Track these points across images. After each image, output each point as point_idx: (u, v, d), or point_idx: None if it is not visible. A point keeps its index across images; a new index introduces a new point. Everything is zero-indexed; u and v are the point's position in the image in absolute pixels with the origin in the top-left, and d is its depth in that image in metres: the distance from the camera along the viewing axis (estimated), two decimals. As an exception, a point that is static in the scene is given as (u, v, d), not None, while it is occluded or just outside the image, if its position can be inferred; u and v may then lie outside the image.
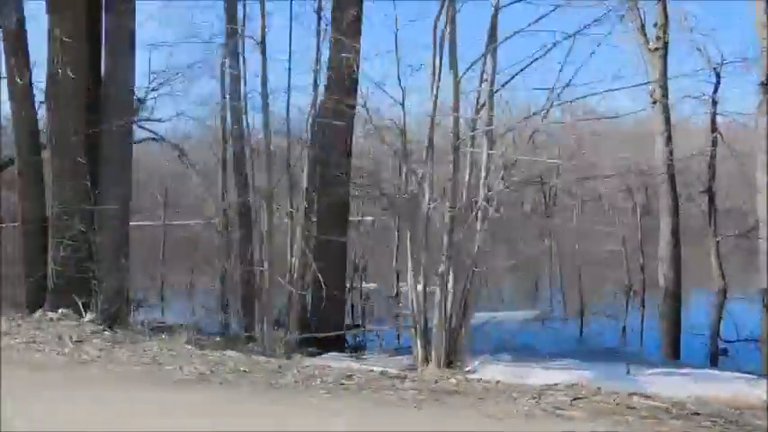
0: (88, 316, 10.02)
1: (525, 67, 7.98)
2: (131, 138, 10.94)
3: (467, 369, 7.86)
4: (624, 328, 13.32)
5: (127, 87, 10.76)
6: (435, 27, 7.75)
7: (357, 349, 10.16)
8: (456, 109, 7.42)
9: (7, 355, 6.22)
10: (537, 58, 7.87)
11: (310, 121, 9.57)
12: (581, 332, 12.57)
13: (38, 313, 10.19)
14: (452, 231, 7.57)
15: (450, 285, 7.64)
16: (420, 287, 7.90)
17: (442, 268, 7.62)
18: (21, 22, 10.72)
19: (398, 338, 11.87)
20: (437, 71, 7.39)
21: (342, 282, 10.57)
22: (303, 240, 8.96)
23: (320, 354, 9.23)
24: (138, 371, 5.41)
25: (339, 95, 9.81)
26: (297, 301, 8.75)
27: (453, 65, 7.43)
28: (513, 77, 8.09)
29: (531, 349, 9.85)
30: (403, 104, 7.76)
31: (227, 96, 11.34)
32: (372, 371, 5.58)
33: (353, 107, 10.03)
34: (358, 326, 11.59)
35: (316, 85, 9.45)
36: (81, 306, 9.72)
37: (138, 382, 4.97)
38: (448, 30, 7.37)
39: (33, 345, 6.82)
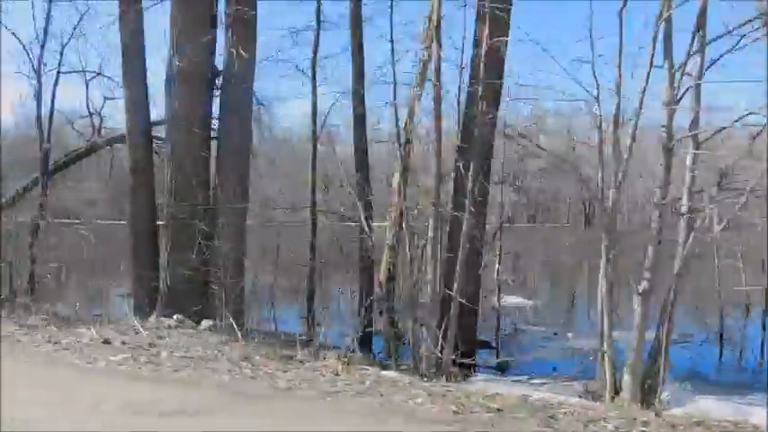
0: (204, 323, 9.29)
1: (714, 62, 7.09)
2: (251, 134, 10.20)
3: (657, 400, 6.90)
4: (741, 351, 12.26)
5: (248, 79, 10.03)
6: (621, 18, 6.89)
7: (501, 370, 9.19)
8: (669, 104, 6.51)
9: (183, 375, 5.42)
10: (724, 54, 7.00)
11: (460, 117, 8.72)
12: (720, 355, 11.47)
13: (153, 319, 9.50)
14: (659, 243, 6.64)
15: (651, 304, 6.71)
16: (608, 305, 6.96)
17: (644, 285, 6.68)
18: (139, 12, 10.09)
19: (497, 355, 10.91)
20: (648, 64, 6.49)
21: (477, 292, 9.67)
22: (462, 248, 8.03)
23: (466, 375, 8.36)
24: (371, 405, 4.51)
25: (485, 89, 8.87)
26: (455, 315, 7.83)
27: (668, 56, 6.54)
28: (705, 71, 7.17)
29: (700, 376, 8.83)
30: (597, 98, 6.86)
31: (352, 88, 10.53)
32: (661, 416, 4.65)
33: (498, 103, 9.13)
34: (485, 342, 10.63)
35: (472, 79, 8.52)
36: (197, 311, 9.01)
37: (400, 423, 4.09)
38: (662, 26, 6.49)
39: (199, 361, 6.01)
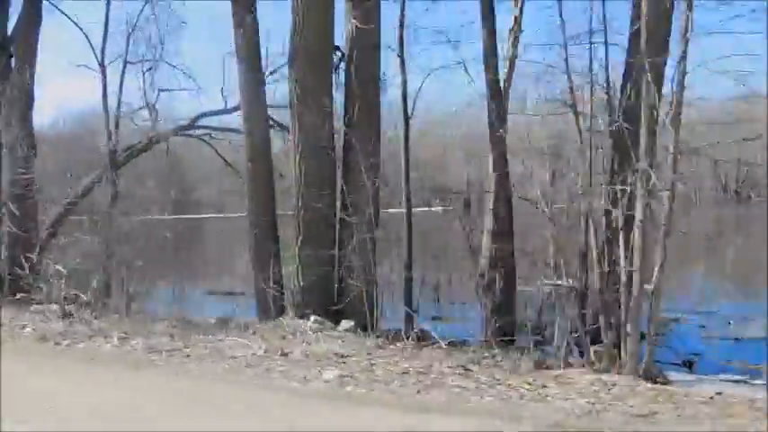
0: (344, 324, 8.44)
1: None
2: (379, 113, 9.25)
3: None
4: None
5: (374, 54, 9.08)
6: None
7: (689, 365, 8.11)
8: None
9: (433, 399, 4.51)
10: None
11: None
12: None
13: (287, 320, 8.68)
14: None
15: None
16: None
17: None
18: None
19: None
20: None
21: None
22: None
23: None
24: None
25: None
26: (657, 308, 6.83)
27: None
28: None
29: None
30: None
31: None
32: None
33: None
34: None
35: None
36: (370, 315, 8.15)
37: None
38: None
39: (418, 376, 5.11)
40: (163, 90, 19.93)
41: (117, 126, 17.54)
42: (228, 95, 19.75)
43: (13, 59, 12.10)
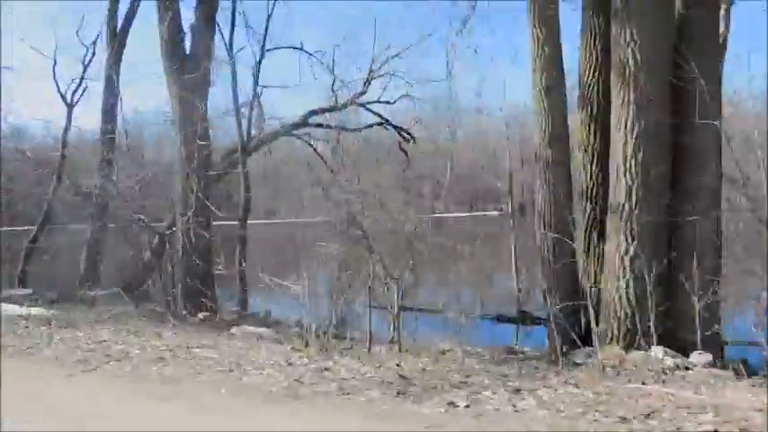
0: (698, 357, 6.41)
1: None
2: (721, 84, 7.28)
3: None
4: None
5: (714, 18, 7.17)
6: None
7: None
8: None
9: None
10: None
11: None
12: None
13: (615, 351, 6.69)
14: None
15: None
16: None
17: None
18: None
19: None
20: None
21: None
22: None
23: None
24: None
25: None
26: None
27: None
28: None
29: None
30: None
31: None
32: None
33: None
34: None
35: None
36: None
37: None
38: None
39: None
40: (265, 86, 18.13)
41: (250, 121, 15.72)
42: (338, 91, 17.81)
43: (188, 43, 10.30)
